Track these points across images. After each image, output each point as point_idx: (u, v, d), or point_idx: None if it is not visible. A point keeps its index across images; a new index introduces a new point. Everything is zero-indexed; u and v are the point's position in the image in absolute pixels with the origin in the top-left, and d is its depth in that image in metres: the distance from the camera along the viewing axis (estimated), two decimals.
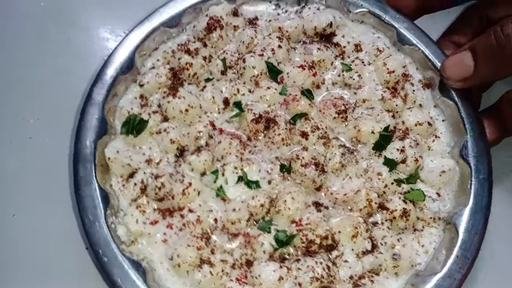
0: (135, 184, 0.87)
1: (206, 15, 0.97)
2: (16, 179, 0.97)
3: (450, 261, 0.82)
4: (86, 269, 0.89)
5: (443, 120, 0.93)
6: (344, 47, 0.97)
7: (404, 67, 0.94)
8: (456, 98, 0.91)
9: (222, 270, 0.81)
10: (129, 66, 0.92)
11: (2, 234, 0.94)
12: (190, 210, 0.85)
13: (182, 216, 0.85)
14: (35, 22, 1.11)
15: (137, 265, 0.80)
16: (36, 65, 1.06)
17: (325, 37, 0.98)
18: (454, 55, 0.88)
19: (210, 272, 0.80)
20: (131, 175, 0.88)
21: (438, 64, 0.93)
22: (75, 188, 0.84)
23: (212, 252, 0.83)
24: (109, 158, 0.87)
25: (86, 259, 0.90)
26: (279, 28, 0.97)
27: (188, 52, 0.94)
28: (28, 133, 1.00)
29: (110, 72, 0.91)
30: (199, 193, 0.86)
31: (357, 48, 0.97)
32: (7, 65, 1.06)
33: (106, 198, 0.84)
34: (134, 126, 0.89)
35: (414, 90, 0.94)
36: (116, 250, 0.80)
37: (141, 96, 0.93)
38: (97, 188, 0.84)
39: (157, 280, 0.81)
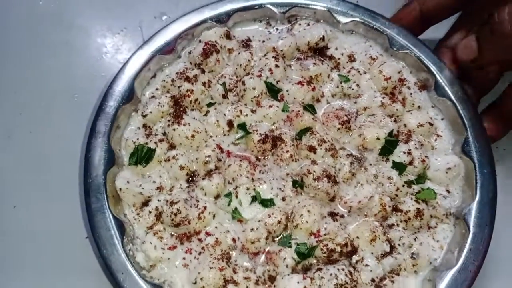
0: (150, 212, 0.87)
1: (200, 41, 0.98)
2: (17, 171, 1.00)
3: (464, 254, 0.84)
4: (87, 260, 0.92)
5: (442, 119, 0.96)
6: (339, 59, 0.99)
7: (399, 72, 0.97)
8: (452, 97, 0.94)
9: (247, 287, 0.82)
10: (130, 96, 0.93)
11: (2, 226, 0.95)
12: (208, 233, 0.86)
13: (200, 240, 0.85)
14: (34, 21, 1.13)
15: None
16: (34, 62, 1.09)
17: (319, 51, 1.00)
18: (464, 39, 0.92)
19: None
20: (145, 204, 0.88)
21: (432, 66, 0.96)
22: (89, 220, 0.84)
23: (234, 271, 0.84)
24: (120, 189, 0.87)
25: (88, 250, 0.93)
26: (273, 48, 0.99)
27: (187, 79, 0.95)
28: (27, 127, 1.03)
29: (112, 103, 0.92)
30: (214, 216, 0.87)
31: (351, 58, 1.00)
32: (6, 63, 1.09)
33: (121, 227, 0.84)
34: (143, 156, 0.90)
35: (411, 93, 0.96)
36: (136, 276, 0.81)
37: (145, 126, 0.94)
38: (111, 217, 0.84)
39: None
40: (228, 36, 0.99)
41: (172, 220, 0.85)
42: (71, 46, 1.11)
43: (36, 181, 0.98)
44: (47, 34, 1.12)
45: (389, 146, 0.91)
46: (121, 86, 0.94)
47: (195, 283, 0.82)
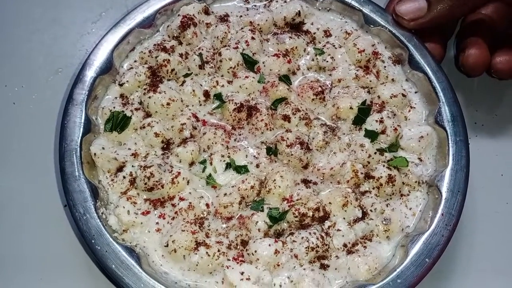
0: (124, 177, 0.88)
1: (179, 15, 1.00)
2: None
3: (436, 219, 0.85)
4: (65, 227, 0.93)
5: (415, 92, 0.98)
6: (314, 33, 1.01)
7: (373, 45, 0.99)
8: (425, 69, 0.96)
9: (219, 250, 0.83)
10: (108, 67, 0.94)
11: None
12: (181, 198, 0.86)
13: (173, 205, 0.86)
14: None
15: (130, 251, 0.81)
16: (21, 38, 1.11)
17: (295, 26, 1.02)
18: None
19: (207, 253, 0.82)
20: (119, 170, 0.89)
21: (405, 42, 0.98)
22: (63, 184, 0.85)
23: (207, 236, 0.84)
24: (95, 154, 0.88)
25: (63, 216, 0.94)
26: (250, 22, 1.01)
27: (164, 50, 0.96)
28: (12, 99, 1.05)
29: (90, 73, 0.93)
30: (188, 182, 0.88)
31: (327, 33, 1.02)
32: None
33: (94, 192, 0.85)
34: (118, 122, 0.91)
35: (385, 67, 0.98)
36: (108, 237, 0.81)
37: (122, 96, 0.95)
38: (85, 182, 0.84)
39: (152, 265, 0.82)
40: (206, 12, 1.01)
41: (145, 184, 0.85)
42: (57, 22, 1.13)
43: (16, 149, 1.00)
44: (33, 10, 1.14)
45: (361, 115, 0.93)
46: (99, 57, 0.95)
47: (167, 245, 0.82)
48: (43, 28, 1.12)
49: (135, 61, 0.98)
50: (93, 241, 0.81)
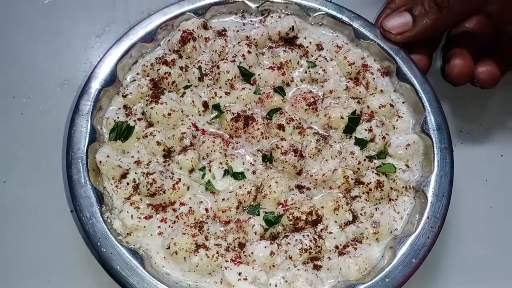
0: (128, 183, 0.92)
1: (179, 30, 1.04)
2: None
3: (422, 222, 0.89)
4: (72, 232, 0.96)
5: (403, 102, 1.02)
6: (307, 47, 1.06)
7: (362, 58, 1.04)
8: (412, 81, 1.00)
9: (217, 252, 0.86)
10: (112, 80, 0.99)
11: None
12: (182, 203, 0.90)
13: (174, 210, 0.90)
14: (26, 11, 1.20)
15: (134, 253, 0.84)
16: (27, 50, 1.15)
17: (289, 40, 1.06)
18: (392, 15, 1.02)
19: (206, 254, 0.85)
20: (123, 176, 0.93)
21: (393, 55, 1.03)
22: (70, 191, 0.89)
23: (206, 238, 0.88)
24: (100, 162, 0.92)
25: (70, 221, 0.97)
26: (247, 36, 1.05)
27: (165, 63, 1.01)
28: (20, 109, 1.09)
29: (95, 85, 0.97)
30: (188, 188, 0.92)
31: (319, 47, 1.06)
32: None
33: (100, 197, 0.88)
34: (122, 131, 0.95)
35: (374, 78, 1.02)
36: (113, 240, 0.85)
37: (125, 106, 0.99)
38: (91, 189, 0.88)
39: (155, 267, 0.86)
40: (205, 27, 1.06)
41: (148, 189, 0.89)
42: (61, 35, 1.17)
43: (25, 158, 1.03)
44: (38, 23, 1.18)
45: (352, 124, 0.97)
46: (104, 70, 0.99)
47: (168, 248, 0.86)
48: (47, 40, 1.16)
49: (137, 73, 1.02)
50: (99, 243, 0.85)
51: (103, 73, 0.99)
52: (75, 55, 1.15)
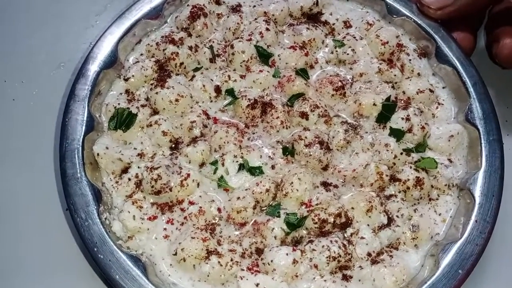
0: (129, 179, 0.85)
1: (188, 5, 0.96)
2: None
3: (469, 226, 0.81)
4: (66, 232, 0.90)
5: (443, 87, 0.95)
6: (333, 24, 0.99)
7: (397, 37, 0.96)
8: (454, 63, 0.92)
9: (231, 260, 0.79)
10: (112, 61, 0.92)
11: None
12: (191, 202, 0.83)
13: (182, 209, 0.83)
14: None
15: (136, 260, 0.78)
16: (22, 32, 1.09)
17: (312, 17, 0.99)
18: None
19: (219, 262, 0.78)
20: (124, 171, 0.86)
21: (432, 33, 0.95)
22: (64, 187, 0.82)
23: (219, 243, 0.81)
24: (98, 154, 0.85)
25: (64, 221, 0.91)
26: (265, 12, 0.98)
27: (172, 42, 0.93)
28: (11, 95, 1.02)
29: (93, 67, 0.90)
30: (198, 184, 0.84)
31: (346, 24, 0.99)
32: None
33: (97, 195, 0.81)
34: (123, 120, 0.88)
35: (410, 60, 0.95)
36: (112, 245, 0.78)
37: (127, 91, 0.92)
38: (87, 185, 0.81)
39: (160, 276, 0.79)
40: (217, 2, 0.99)
41: (152, 187, 0.82)
42: (60, 16, 1.10)
43: (15, 149, 0.97)
44: (36, 4, 1.11)
45: (386, 112, 0.89)
46: (103, 50, 0.92)
47: (175, 254, 0.78)
48: (45, 22, 1.10)
49: (141, 54, 0.95)
50: (95, 249, 0.78)
51: (102, 53, 0.92)
52: (73, 36, 1.09)
